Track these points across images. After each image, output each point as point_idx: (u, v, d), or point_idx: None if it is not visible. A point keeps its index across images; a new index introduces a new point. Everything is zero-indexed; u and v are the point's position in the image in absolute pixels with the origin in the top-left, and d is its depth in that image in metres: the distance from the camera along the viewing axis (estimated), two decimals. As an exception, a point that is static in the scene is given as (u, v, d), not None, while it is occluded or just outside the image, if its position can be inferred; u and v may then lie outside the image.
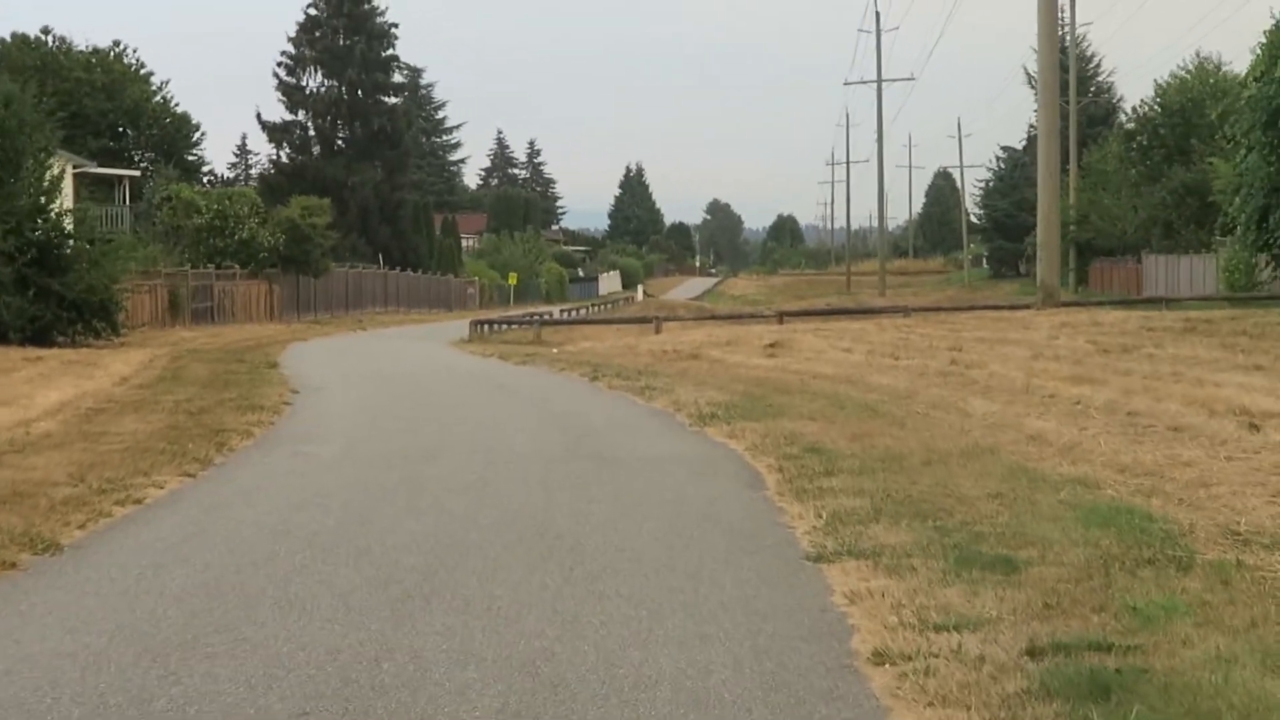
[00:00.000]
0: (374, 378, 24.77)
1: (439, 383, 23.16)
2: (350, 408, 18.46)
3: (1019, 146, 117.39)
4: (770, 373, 21.63)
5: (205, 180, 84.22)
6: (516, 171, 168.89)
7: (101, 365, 27.06)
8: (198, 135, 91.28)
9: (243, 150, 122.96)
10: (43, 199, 38.24)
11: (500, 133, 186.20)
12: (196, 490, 11.01)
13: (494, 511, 9.81)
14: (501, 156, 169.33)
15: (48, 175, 38.83)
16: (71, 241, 38.88)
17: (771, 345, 26.44)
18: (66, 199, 42.47)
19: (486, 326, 45.64)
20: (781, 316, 41.08)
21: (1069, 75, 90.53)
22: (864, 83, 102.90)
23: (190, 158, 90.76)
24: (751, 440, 13.39)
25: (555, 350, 32.03)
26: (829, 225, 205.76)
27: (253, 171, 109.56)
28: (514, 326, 45.98)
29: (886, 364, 21.48)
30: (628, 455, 12.85)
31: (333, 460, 12.70)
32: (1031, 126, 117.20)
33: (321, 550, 8.47)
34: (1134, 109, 75.49)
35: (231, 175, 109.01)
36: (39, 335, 36.47)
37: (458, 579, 7.66)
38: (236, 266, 57.41)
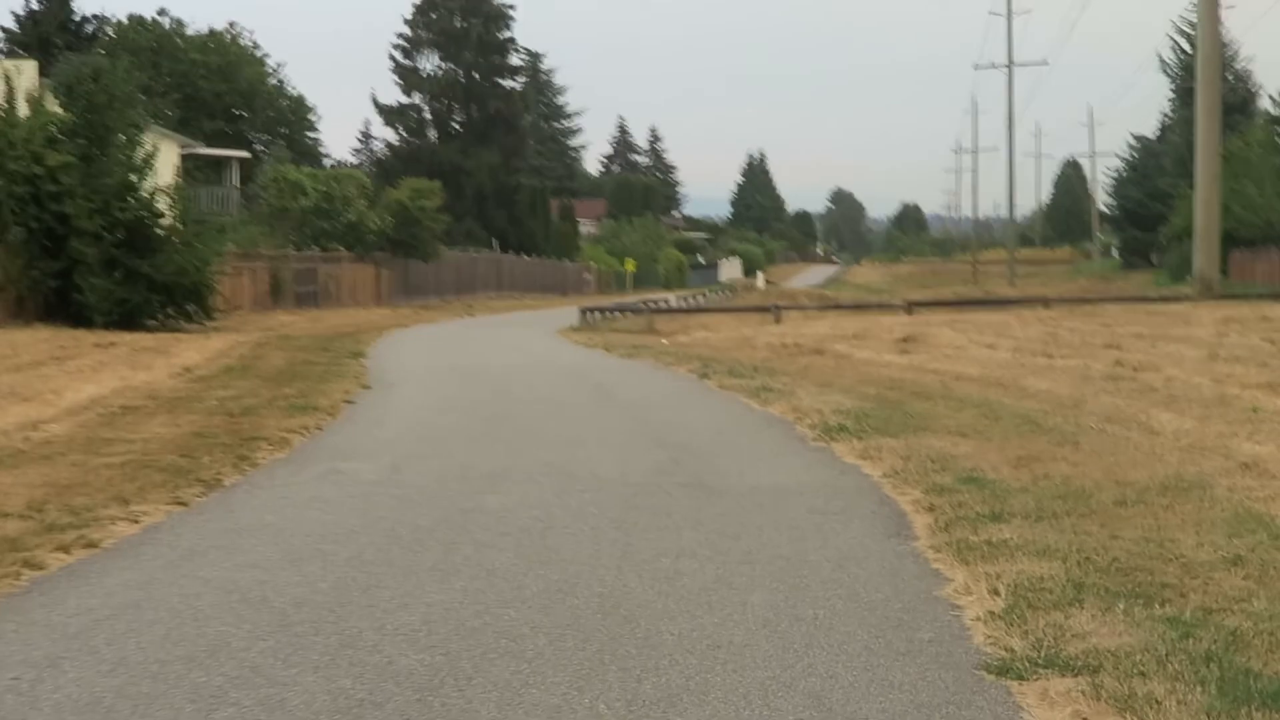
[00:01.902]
0: (462, 371, 22.42)
1: (531, 379, 20.69)
2: (419, 410, 16.03)
3: (1151, 136, 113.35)
4: (905, 372, 18.90)
5: (328, 165, 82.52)
6: (637, 158, 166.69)
7: (174, 353, 25.04)
8: (314, 118, 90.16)
9: (366, 136, 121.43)
10: (133, 176, 36.41)
11: (622, 119, 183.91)
12: (178, 527, 8.58)
13: (549, 572, 7.26)
14: (623, 143, 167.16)
15: (140, 152, 36.99)
16: (163, 221, 37.13)
17: (904, 340, 23.70)
18: (167, 178, 40.64)
19: (597, 314, 43.22)
20: (911, 306, 38.20)
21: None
22: (994, 67, 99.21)
23: (308, 140, 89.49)
24: (890, 464, 10.74)
25: (666, 341, 29.50)
26: (953, 214, 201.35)
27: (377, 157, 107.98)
28: (626, 314, 43.49)
29: (1040, 364, 18.65)
30: (734, 483, 10.25)
31: (369, 485, 10.24)
32: (1165, 115, 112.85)
33: (293, 638, 5.99)
34: (1281, 92, 71.80)
35: (355, 161, 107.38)
36: (127, 319, 34.76)
37: (468, 701, 5.14)
38: (343, 250, 55.53)
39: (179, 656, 5.71)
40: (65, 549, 7.72)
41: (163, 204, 37.09)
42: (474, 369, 22.90)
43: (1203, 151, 32.27)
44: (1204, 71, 32.12)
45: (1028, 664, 5.51)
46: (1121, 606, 6.29)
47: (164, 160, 45.35)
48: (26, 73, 39.18)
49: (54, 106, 36.24)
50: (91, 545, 7.90)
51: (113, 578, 7.14)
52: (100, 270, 34.32)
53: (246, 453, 11.61)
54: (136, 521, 8.64)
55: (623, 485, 10.12)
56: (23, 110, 34.99)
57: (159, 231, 36.79)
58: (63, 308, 34.43)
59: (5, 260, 33.02)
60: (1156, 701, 4.97)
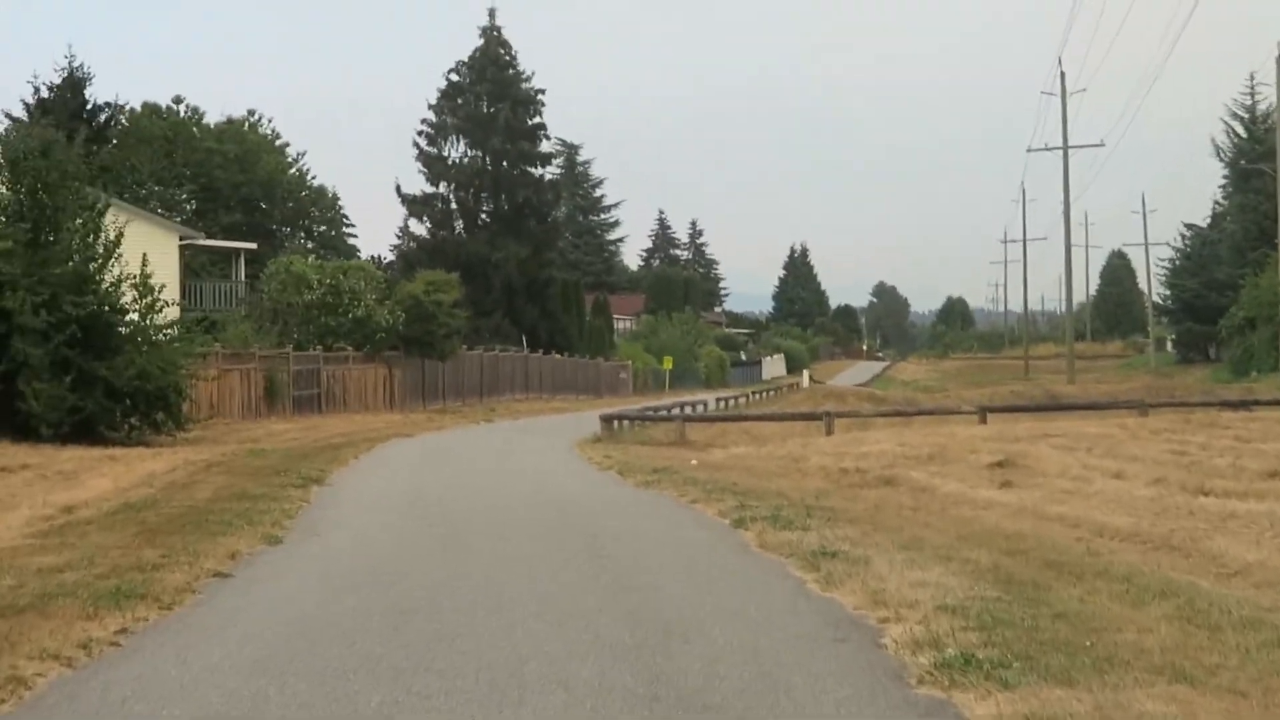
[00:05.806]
0: (424, 509, 17.22)
1: (506, 525, 15.26)
2: (310, 592, 10.64)
3: (1203, 224, 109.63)
4: (1019, 520, 13.60)
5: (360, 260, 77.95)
6: (678, 252, 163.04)
7: (83, 481, 20.18)
8: (342, 210, 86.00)
9: (405, 232, 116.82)
10: (91, 266, 31.77)
11: (662, 212, 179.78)
12: None
13: None
14: (663, 237, 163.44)
15: (101, 240, 32.31)
16: (128, 318, 32.51)
17: (998, 465, 18.44)
18: (169, 272, 36.19)
19: (622, 422, 37.98)
20: (984, 414, 32.89)
21: (1271, 146, 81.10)
22: (1048, 149, 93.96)
23: (344, 234, 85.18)
24: (1089, 772, 5.54)
25: (695, 461, 24.29)
26: (999, 307, 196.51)
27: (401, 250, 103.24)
28: (654, 421, 38.31)
29: (1209, 508, 13.33)
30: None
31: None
32: (1217, 203, 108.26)
33: None
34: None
35: (393, 258, 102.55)
36: (81, 429, 30.21)
37: None
38: (350, 348, 50.74)
39: None
40: None
41: (129, 298, 32.49)
42: (443, 505, 17.71)
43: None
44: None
45: None
46: None
47: (160, 252, 41.10)
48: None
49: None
50: None
51: None
52: (48, 374, 29.70)
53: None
54: None
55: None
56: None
57: (121, 330, 32.18)
58: (7, 417, 29.77)
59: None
60: None
